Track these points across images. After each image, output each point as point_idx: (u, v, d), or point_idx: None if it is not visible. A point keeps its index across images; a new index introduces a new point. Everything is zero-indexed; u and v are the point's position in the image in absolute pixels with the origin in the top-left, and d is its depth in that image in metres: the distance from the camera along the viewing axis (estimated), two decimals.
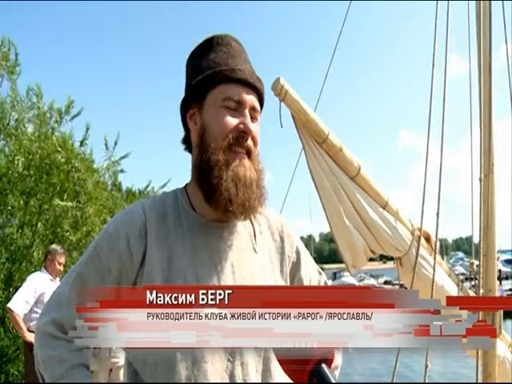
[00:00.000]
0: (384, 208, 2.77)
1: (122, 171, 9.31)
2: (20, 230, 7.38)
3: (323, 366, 1.03)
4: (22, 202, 7.35)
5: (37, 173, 7.45)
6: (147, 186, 10.49)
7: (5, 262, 7.22)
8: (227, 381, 1.16)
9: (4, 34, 7.91)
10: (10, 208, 7.35)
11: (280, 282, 1.34)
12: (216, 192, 1.20)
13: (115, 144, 8.92)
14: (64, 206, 7.42)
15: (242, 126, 1.22)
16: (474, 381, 2.75)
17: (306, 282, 1.40)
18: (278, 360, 1.08)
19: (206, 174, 1.22)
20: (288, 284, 1.36)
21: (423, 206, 2.80)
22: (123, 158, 9.10)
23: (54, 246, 5.53)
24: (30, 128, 7.82)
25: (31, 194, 7.45)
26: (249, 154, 1.25)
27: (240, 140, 1.22)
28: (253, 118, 1.26)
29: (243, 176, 1.21)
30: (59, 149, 7.55)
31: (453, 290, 3.01)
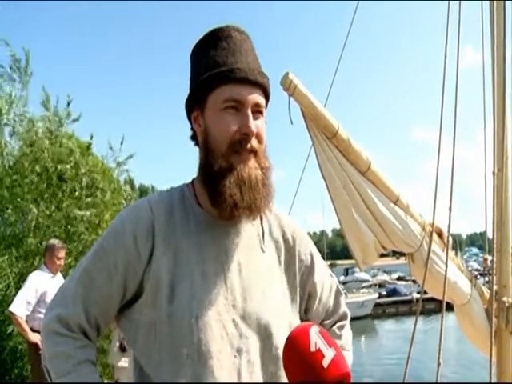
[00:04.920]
0: (395, 203, 2.73)
1: (127, 171, 9.42)
2: (34, 228, 7.45)
3: None
4: (34, 206, 7.43)
5: (50, 178, 7.56)
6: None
7: (19, 259, 7.28)
8: (233, 378, 1.16)
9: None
10: (21, 206, 7.45)
11: (287, 280, 1.33)
12: (221, 198, 1.19)
13: (121, 144, 9.07)
14: (83, 215, 7.51)
15: (244, 128, 1.20)
16: (488, 379, 2.70)
17: (319, 286, 1.40)
18: None
19: (210, 180, 1.22)
20: (296, 283, 1.35)
21: (435, 200, 2.76)
22: (129, 158, 9.23)
23: (51, 241, 5.41)
24: (40, 130, 7.95)
25: (44, 200, 7.53)
26: (254, 153, 1.23)
27: (243, 143, 1.20)
28: (257, 114, 1.24)
29: (248, 178, 1.20)
30: (75, 149, 7.65)
31: (466, 287, 2.97)
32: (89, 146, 8.44)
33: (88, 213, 7.56)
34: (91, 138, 8.61)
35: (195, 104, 1.27)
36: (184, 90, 1.33)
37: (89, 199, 7.82)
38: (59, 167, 7.59)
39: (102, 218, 7.79)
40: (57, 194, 7.65)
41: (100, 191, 7.99)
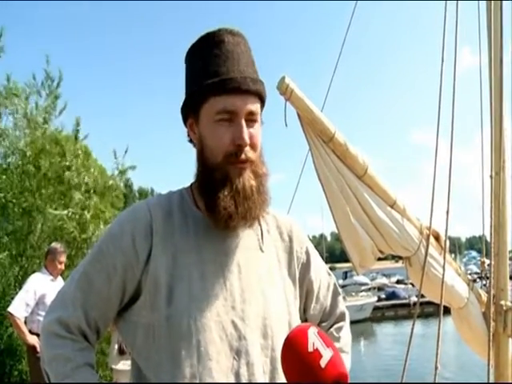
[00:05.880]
0: (392, 207, 2.73)
1: (127, 182, 9.38)
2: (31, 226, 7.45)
3: None
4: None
5: (32, 179, 7.53)
6: None
7: (17, 258, 7.28)
8: (232, 379, 1.16)
9: None
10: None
11: (287, 281, 1.34)
12: (215, 209, 1.20)
13: (125, 152, 9.08)
14: (58, 214, 7.46)
15: (237, 139, 1.20)
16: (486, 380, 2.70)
17: (316, 284, 1.40)
18: None
19: (206, 190, 1.23)
20: (296, 283, 1.35)
21: (432, 204, 2.76)
22: (131, 168, 9.23)
23: (53, 245, 5.46)
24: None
25: (34, 197, 7.54)
26: (250, 162, 1.23)
27: (238, 154, 1.21)
28: (252, 122, 1.24)
29: (242, 188, 1.20)
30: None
31: (463, 290, 2.96)
32: (76, 137, 8.40)
33: (64, 212, 7.52)
34: (77, 131, 8.59)
35: (189, 112, 1.28)
36: (184, 92, 1.33)
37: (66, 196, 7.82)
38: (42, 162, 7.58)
39: (82, 217, 7.75)
40: (45, 188, 7.66)
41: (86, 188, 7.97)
